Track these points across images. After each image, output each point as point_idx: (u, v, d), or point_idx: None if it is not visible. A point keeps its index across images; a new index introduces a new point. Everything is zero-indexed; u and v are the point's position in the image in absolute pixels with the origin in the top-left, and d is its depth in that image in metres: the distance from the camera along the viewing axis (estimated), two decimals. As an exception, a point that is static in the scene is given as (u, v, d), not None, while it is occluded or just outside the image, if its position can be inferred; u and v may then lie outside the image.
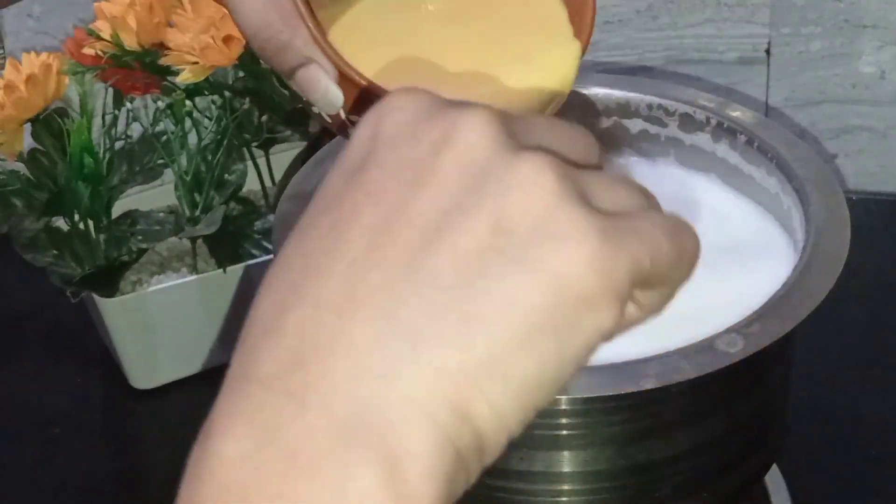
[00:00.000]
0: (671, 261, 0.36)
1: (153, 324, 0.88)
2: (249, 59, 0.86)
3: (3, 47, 0.54)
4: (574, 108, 0.76)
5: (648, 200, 0.37)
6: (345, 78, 0.49)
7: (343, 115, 0.51)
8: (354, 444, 0.33)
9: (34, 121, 0.85)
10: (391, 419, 0.33)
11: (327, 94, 0.49)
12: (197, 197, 0.87)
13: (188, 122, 0.86)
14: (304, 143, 0.92)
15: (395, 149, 0.36)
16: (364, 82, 0.49)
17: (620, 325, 0.35)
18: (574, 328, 0.34)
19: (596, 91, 0.77)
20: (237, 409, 0.34)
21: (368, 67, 0.49)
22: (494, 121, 0.36)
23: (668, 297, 0.38)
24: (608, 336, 0.35)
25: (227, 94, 0.87)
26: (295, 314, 0.34)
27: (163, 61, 0.83)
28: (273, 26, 0.48)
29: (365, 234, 0.35)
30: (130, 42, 0.84)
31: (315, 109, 0.51)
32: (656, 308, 0.38)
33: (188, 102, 0.86)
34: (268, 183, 0.95)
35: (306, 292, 0.35)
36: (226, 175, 0.88)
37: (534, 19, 0.52)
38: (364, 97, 0.49)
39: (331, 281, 0.34)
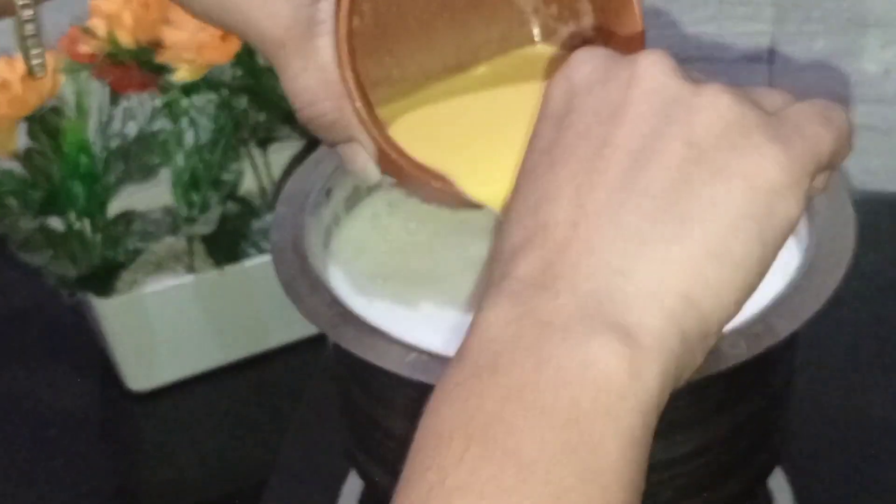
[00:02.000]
0: (833, 148, 0.44)
1: (150, 324, 0.88)
2: (247, 56, 0.85)
3: (40, 44, 0.55)
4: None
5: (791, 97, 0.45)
6: (385, 153, 0.52)
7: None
8: (597, 320, 0.39)
9: (29, 119, 0.85)
10: (627, 304, 0.40)
11: (365, 172, 0.53)
12: (194, 196, 0.87)
13: (185, 121, 0.86)
14: (303, 142, 0.91)
15: (590, 94, 0.44)
16: (403, 163, 0.52)
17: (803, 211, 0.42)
18: (769, 215, 0.41)
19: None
20: (502, 295, 0.41)
21: (411, 150, 0.53)
22: (668, 58, 0.44)
23: (834, 172, 0.45)
24: (797, 220, 0.42)
25: (224, 92, 0.86)
26: (538, 234, 0.42)
27: (159, 59, 0.83)
28: (322, 105, 0.51)
29: (582, 164, 0.42)
30: (126, 40, 0.84)
31: None
32: (824, 187, 0.45)
33: (185, 101, 0.85)
34: (265, 182, 0.94)
35: (544, 217, 0.42)
36: (223, 174, 0.87)
37: None
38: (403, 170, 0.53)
39: (562, 203, 0.42)
